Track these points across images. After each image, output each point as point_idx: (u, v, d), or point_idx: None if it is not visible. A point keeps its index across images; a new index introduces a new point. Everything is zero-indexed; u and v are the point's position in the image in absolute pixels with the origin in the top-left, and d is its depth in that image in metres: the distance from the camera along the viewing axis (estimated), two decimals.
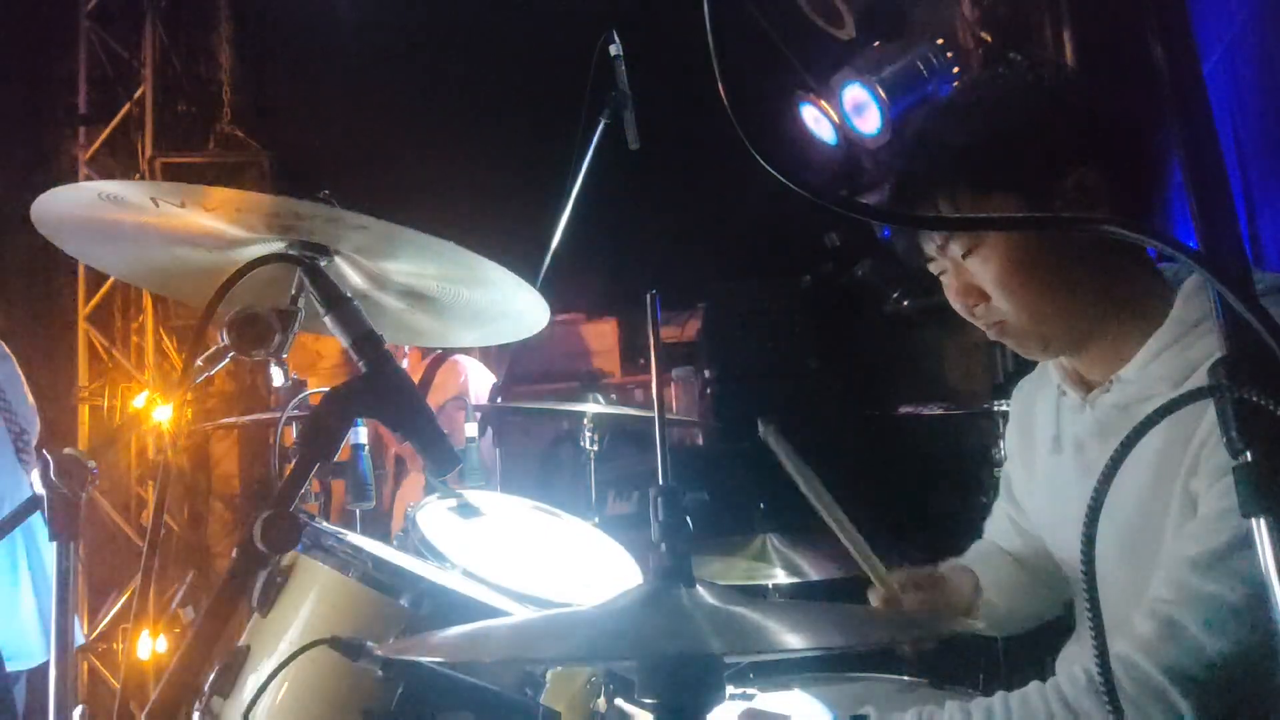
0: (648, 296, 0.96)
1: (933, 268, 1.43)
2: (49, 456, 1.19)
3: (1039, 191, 1.30)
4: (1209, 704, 1.13)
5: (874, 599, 1.54)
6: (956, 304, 1.41)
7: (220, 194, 1.15)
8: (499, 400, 3.03)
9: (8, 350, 2.83)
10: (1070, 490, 1.44)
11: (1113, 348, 1.35)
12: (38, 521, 1.22)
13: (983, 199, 1.32)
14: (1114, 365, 1.35)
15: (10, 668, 2.51)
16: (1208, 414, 1.18)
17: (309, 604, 1.27)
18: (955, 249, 1.36)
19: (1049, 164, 1.30)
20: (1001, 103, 1.36)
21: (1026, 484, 1.59)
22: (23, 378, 2.85)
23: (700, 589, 0.88)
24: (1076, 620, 1.56)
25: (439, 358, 3.48)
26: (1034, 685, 1.24)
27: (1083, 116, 1.33)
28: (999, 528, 1.72)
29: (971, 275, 1.36)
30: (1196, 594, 1.15)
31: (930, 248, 1.40)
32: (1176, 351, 1.27)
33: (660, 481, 0.92)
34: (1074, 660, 1.53)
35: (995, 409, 2.70)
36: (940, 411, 3.08)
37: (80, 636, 2.75)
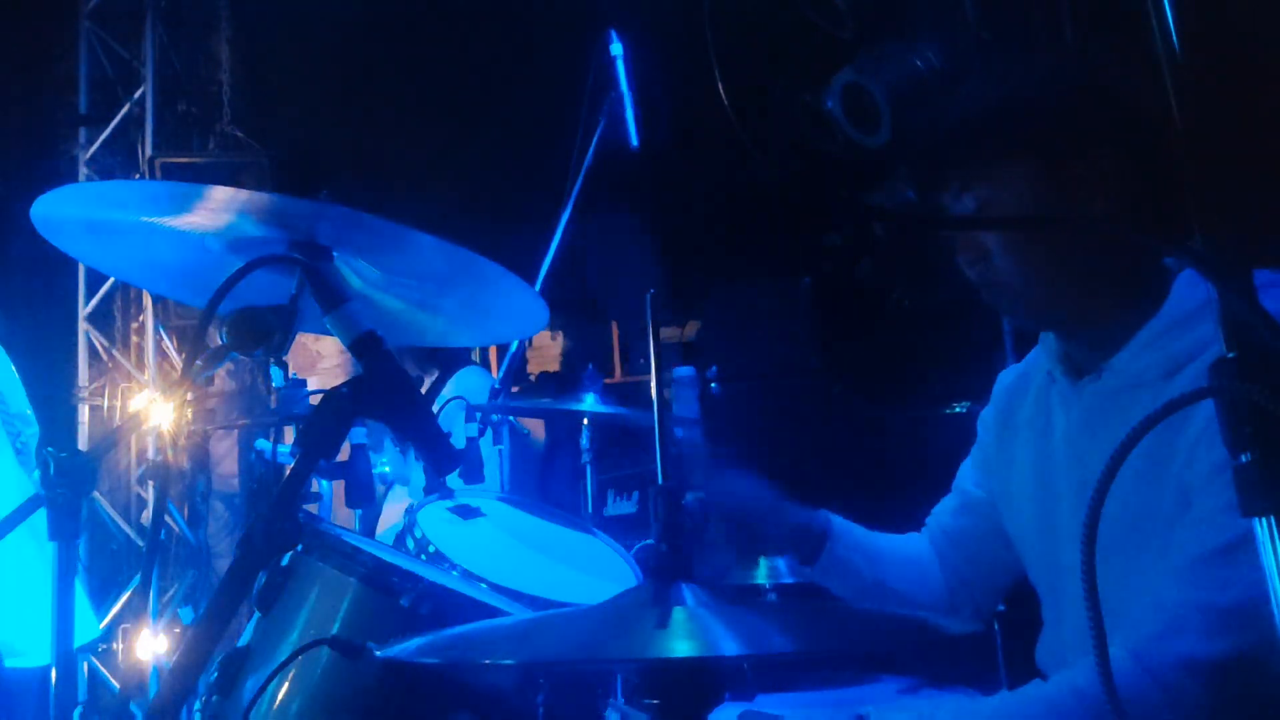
0: (647, 296, 0.96)
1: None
2: (49, 456, 1.19)
3: (1059, 162, 1.31)
4: (1219, 698, 1.13)
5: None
6: (960, 259, 1.42)
7: (220, 194, 1.15)
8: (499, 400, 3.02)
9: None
10: (1056, 476, 1.44)
11: (1107, 332, 1.35)
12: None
13: (1005, 161, 1.34)
14: (1107, 350, 1.35)
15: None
16: (1202, 406, 1.18)
17: (309, 604, 1.27)
18: (969, 202, 1.37)
19: (1072, 137, 1.31)
20: (1032, 72, 1.37)
21: (1002, 470, 1.58)
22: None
23: (700, 589, 0.88)
24: (1045, 611, 1.55)
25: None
26: (1035, 683, 1.24)
27: (1111, 100, 1.34)
28: (942, 511, 1.71)
29: (979, 231, 1.38)
30: (1202, 591, 1.15)
31: (946, 199, 1.41)
32: (1168, 342, 1.27)
33: (660, 481, 0.92)
34: (1051, 653, 1.53)
35: None
36: (941, 411, 3.07)
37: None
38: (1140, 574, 1.26)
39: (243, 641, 1.28)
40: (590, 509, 2.69)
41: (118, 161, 5.25)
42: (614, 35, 2.78)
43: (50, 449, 1.18)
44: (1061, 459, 1.43)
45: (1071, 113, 1.33)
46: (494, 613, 1.30)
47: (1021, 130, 1.34)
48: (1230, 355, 0.67)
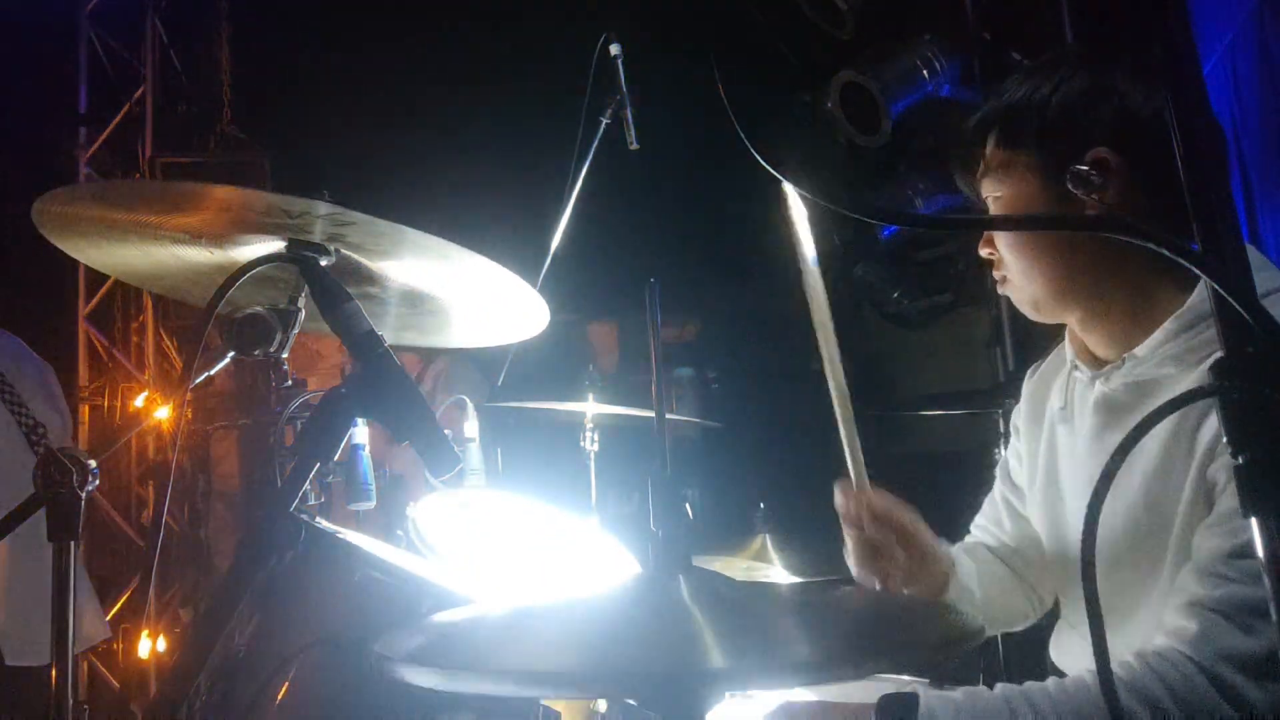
0: (647, 285, 0.96)
1: None
2: (47, 456, 1.19)
3: (1056, 159, 1.33)
4: (1265, 687, 1.13)
5: (839, 496, 1.55)
6: (981, 252, 1.47)
7: (219, 194, 1.15)
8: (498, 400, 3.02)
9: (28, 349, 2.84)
10: (1076, 461, 1.46)
11: (1124, 327, 1.36)
12: None
13: (1011, 152, 1.38)
14: (1125, 345, 1.36)
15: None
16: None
17: (309, 604, 1.27)
18: (986, 189, 1.43)
19: (1072, 136, 1.32)
20: (1043, 71, 1.39)
21: (1031, 459, 1.59)
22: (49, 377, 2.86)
23: (699, 582, 0.88)
24: (1071, 606, 1.56)
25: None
26: (1073, 676, 1.23)
27: (1115, 101, 1.34)
28: (991, 516, 1.72)
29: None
30: (1235, 587, 1.15)
31: (969, 182, 1.47)
32: (1192, 335, 1.28)
33: (658, 472, 0.91)
34: (1066, 647, 1.53)
35: (995, 410, 2.70)
36: (941, 412, 3.08)
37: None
38: (1157, 576, 1.26)
39: (243, 641, 1.28)
40: (591, 508, 2.69)
41: (118, 161, 5.25)
42: (614, 36, 2.78)
43: (50, 449, 1.18)
44: (1081, 443, 1.45)
45: (1074, 111, 1.34)
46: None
47: (1026, 127, 1.36)
48: (1228, 355, 0.67)
